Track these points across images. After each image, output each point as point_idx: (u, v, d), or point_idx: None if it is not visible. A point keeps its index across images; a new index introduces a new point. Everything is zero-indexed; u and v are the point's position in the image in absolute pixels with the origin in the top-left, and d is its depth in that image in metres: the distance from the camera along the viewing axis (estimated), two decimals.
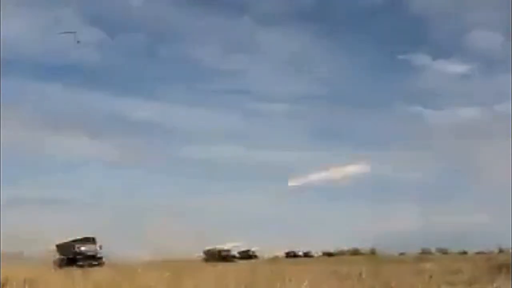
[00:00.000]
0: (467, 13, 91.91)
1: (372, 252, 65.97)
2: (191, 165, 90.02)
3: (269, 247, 69.50)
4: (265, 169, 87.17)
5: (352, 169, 66.52)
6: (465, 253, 69.67)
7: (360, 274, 16.95)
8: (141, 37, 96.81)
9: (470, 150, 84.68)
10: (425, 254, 62.59)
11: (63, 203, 78.26)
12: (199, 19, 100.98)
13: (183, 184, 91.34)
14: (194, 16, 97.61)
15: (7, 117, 70.05)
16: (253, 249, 71.73)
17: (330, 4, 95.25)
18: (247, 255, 68.32)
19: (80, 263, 41.10)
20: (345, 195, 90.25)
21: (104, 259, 44.22)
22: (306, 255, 76.16)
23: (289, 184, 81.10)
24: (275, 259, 55.93)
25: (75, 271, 24.53)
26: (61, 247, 46.88)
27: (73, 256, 43.91)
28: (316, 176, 70.33)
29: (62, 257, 45.37)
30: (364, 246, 72.69)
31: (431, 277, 16.57)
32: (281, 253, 71.88)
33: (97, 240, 45.86)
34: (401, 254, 65.33)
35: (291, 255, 73.02)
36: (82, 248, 44.62)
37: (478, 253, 62.20)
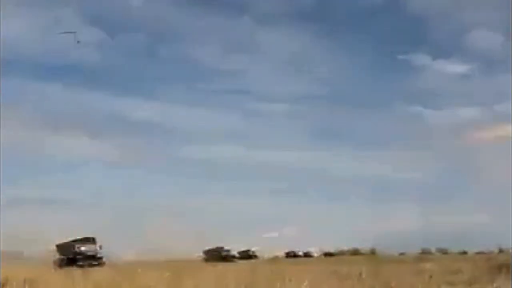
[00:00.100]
0: (467, 13, 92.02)
1: (372, 252, 65.97)
2: (191, 165, 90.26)
3: (269, 247, 69.66)
4: (265, 169, 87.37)
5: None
6: (465, 253, 69.71)
7: (360, 274, 16.94)
8: (141, 37, 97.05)
9: (470, 150, 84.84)
10: (425, 254, 62.55)
11: (63, 203, 78.49)
12: (199, 19, 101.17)
13: (183, 184, 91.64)
14: (194, 16, 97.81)
15: (7, 117, 70.31)
16: (253, 249, 71.79)
17: (330, 4, 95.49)
18: (247, 255, 68.36)
19: (80, 263, 41.09)
20: (345, 195, 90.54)
21: (104, 259, 44.24)
22: (306, 255, 76.23)
23: (289, 184, 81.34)
24: (275, 259, 55.92)
25: (75, 271, 24.52)
26: (61, 247, 46.87)
27: (73, 256, 43.91)
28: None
29: (62, 257, 45.37)
30: (364, 246, 72.90)
31: (431, 277, 16.56)
32: (281, 253, 72.04)
33: (97, 240, 45.87)
34: (401, 254, 65.36)
35: (291, 255, 73.08)
36: (82, 248, 44.61)
37: (478, 253, 62.22)
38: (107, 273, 21.48)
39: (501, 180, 70.06)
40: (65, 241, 46.60)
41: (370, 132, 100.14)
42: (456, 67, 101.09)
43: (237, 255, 68.18)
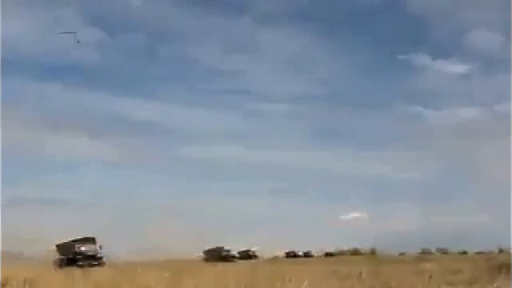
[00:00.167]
0: (467, 13, 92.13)
1: (372, 252, 65.96)
2: (191, 165, 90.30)
3: (269, 247, 69.64)
4: (265, 169, 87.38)
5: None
6: (465, 253, 69.70)
7: (360, 274, 16.94)
8: (141, 37, 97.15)
9: (470, 150, 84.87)
10: (425, 254, 62.55)
11: (63, 203, 78.52)
12: (199, 19, 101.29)
13: (183, 184, 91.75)
14: (194, 16, 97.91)
15: (7, 117, 70.32)
16: (253, 249, 71.77)
17: (330, 4, 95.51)
18: (247, 255, 68.36)
19: (80, 263, 41.09)
20: (345, 195, 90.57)
21: (104, 259, 44.24)
22: (306, 255, 76.20)
23: (289, 184, 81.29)
24: (275, 259, 55.89)
25: (75, 271, 24.52)
26: (61, 247, 46.88)
27: (73, 256, 43.91)
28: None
29: (62, 257, 45.38)
30: (364, 246, 72.88)
31: (431, 277, 16.56)
32: (281, 253, 72.01)
33: (97, 240, 45.88)
34: (401, 254, 65.35)
35: (291, 255, 73.05)
36: (82, 248, 44.61)
37: (478, 253, 62.21)
38: (107, 273, 21.48)
39: (501, 180, 70.08)
40: (65, 241, 46.61)
41: (370, 132, 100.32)
42: (456, 67, 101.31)
43: (237, 255, 68.17)
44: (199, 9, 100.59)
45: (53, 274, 23.75)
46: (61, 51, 79.78)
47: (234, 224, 77.31)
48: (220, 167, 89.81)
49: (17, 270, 21.18)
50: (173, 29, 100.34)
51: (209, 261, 53.89)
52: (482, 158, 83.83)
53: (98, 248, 45.32)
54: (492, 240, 61.48)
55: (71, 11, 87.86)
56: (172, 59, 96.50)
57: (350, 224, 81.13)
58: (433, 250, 74.44)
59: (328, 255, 74.95)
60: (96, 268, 33.39)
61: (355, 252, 73.29)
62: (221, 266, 32.20)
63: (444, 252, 73.33)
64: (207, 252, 65.27)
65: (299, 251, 76.62)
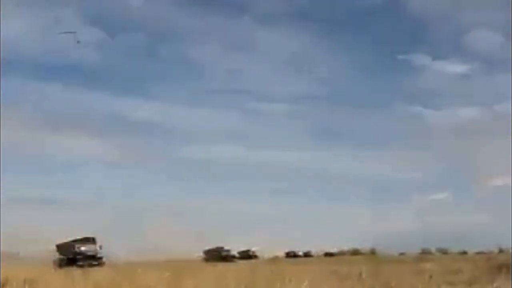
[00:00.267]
0: (467, 13, 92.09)
1: (372, 252, 65.93)
2: (191, 165, 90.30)
3: (269, 247, 69.62)
4: (265, 169, 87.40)
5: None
6: (465, 253, 69.70)
7: (360, 274, 16.94)
8: (141, 37, 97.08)
9: (470, 150, 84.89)
10: (425, 254, 62.56)
11: (63, 203, 78.49)
12: (199, 19, 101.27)
13: (183, 184, 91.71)
14: (194, 16, 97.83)
15: (7, 117, 70.32)
16: (253, 249, 71.72)
17: (330, 4, 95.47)
18: (247, 255, 68.30)
19: (80, 263, 41.06)
20: (345, 195, 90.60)
21: (104, 259, 44.22)
22: (306, 255, 76.18)
23: (289, 184, 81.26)
24: (275, 259, 55.87)
25: (75, 271, 24.51)
26: (61, 247, 46.85)
27: (73, 256, 43.88)
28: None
29: (62, 257, 45.34)
30: (364, 246, 72.87)
31: (431, 277, 16.56)
32: (281, 253, 71.98)
33: (97, 240, 45.86)
34: (401, 254, 65.36)
35: (291, 255, 73.01)
36: (82, 248, 44.59)
37: (478, 253, 62.21)
38: (107, 273, 21.48)
39: (501, 180, 70.11)
40: (65, 241, 46.57)
41: (370, 132, 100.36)
42: (456, 67, 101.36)
43: (237, 255, 68.12)
44: (199, 9, 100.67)
45: (53, 274, 23.73)
46: (61, 51, 79.78)
47: (234, 224, 77.34)
48: (220, 167, 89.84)
49: (17, 270, 21.16)
50: (173, 29, 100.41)
51: (209, 261, 53.86)
52: (482, 158, 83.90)
53: (98, 248, 45.29)
54: (492, 240, 61.54)
55: (71, 11, 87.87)
56: (172, 59, 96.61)
57: (350, 224, 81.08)
58: (433, 250, 74.44)
59: (328, 255, 74.95)
60: (96, 268, 33.37)
61: (355, 252, 73.27)
62: (221, 266, 32.19)
63: (444, 252, 73.31)
64: (207, 252, 65.24)
65: (299, 251, 76.58)
